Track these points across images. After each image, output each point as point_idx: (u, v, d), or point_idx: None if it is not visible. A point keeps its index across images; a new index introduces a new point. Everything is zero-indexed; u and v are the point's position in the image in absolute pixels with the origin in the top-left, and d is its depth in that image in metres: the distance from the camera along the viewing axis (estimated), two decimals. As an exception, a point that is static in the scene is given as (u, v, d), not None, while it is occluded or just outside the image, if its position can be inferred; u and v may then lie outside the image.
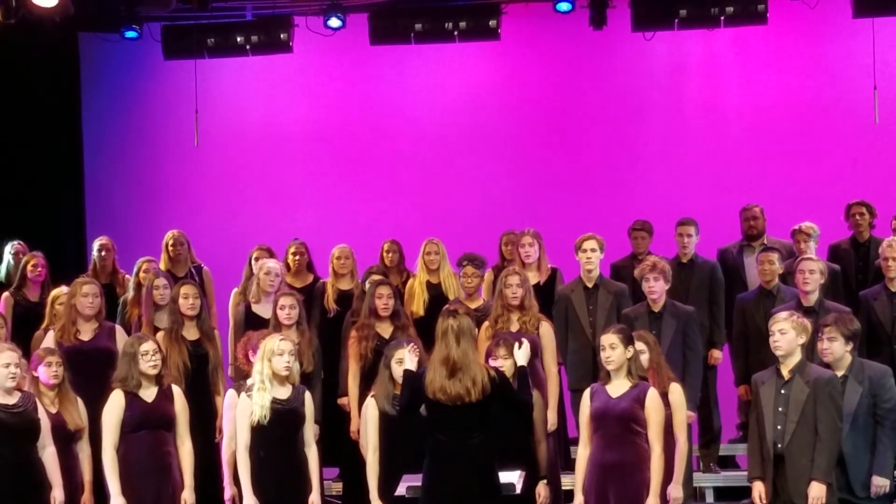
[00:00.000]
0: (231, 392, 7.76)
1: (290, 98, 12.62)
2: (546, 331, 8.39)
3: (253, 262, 9.56)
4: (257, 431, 7.36)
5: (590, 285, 8.92)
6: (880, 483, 7.24)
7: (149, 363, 7.54)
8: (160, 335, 8.36)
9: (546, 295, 9.00)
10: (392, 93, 12.55)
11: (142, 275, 9.39)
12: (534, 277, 8.96)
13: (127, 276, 9.80)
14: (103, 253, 10.00)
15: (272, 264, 9.06)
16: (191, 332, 8.51)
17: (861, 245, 9.88)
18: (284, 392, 7.45)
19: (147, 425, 7.50)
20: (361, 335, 8.49)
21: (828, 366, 7.25)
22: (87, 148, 12.50)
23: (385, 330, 8.51)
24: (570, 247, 9.08)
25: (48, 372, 7.63)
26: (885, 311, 8.69)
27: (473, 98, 12.45)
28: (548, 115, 12.31)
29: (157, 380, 7.59)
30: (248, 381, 7.50)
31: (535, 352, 8.26)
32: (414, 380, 6.86)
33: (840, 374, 7.21)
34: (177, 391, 7.69)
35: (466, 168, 12.33)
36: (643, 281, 8.43)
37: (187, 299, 8.50)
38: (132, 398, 7.51)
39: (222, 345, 8.94)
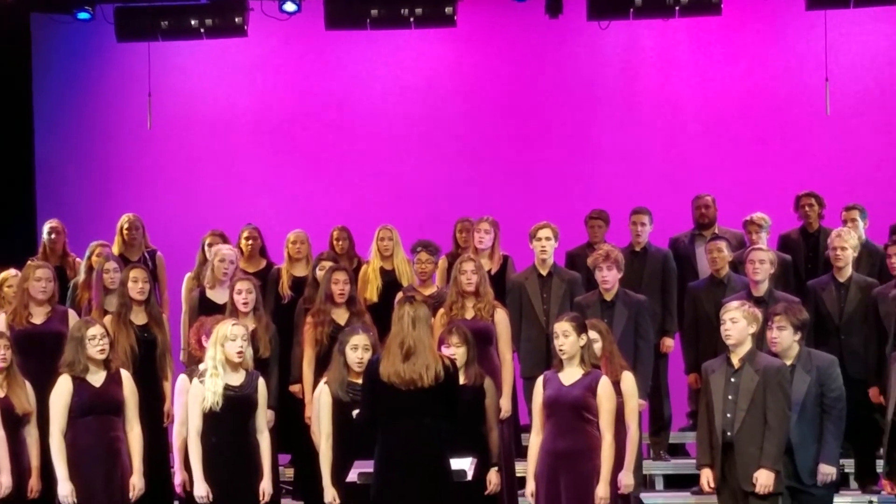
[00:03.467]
0: (183, 377, 7.73)
1: (245, 82, 12.57)
2: (501, 318, 8.41)
3: (206, 247, 9.51)
4: (209, 417, 7.33)
5: (544, 273, 8.95)
6: (827, 471, 7.32)
7: (96, 347, 7.49)
8: (108, 319, 8.30)
9: (498, 283, 9.03)
10: (347, 78, 12.52)
11: (94, 258, 9.33)
12: (486, 265, 8.98)
13: (78, 259, 9.74)
14: (53, 236, 9.93)
15: (227, 251, 9.00)
16: (139, 317, 8.46)
17: (810, 235, 9.96)
18: (237, 378, 7.42)
19: (95, 410, 7.45)
20: (317, 321, 8.47)
21: (776, 355, 7.32)
22: (38, 130, 12.39)
23: (340, 316, 8.49)
24: (524, 235, 9.11)
25: (-4, 355, 7.58)
26: (833, 302, 8.77)
27: (429, 85, 12.44)
28: (503, 102, 12.32)
29: (105, 364, 7.54)
30: (201, 367, 7.47)
31: (490, 339, 8.30)
32: (370, 366, 6.87)
33: (788, 363, 7.28)
34: (125, 376, 7.64)
35: (421, 155, 12.33)
36: (596, 270, 8.47)
37: (136, 283, 8.44)
38: (80, 383, 7.46)
39: (172, 330, 8.91)
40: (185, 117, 12.47)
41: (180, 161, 12.49)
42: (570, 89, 12.28)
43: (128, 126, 12.33)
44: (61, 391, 7.45)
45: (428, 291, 8.91)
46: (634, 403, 7.43)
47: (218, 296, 8.76)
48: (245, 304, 8.30)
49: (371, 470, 6.82)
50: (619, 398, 7.25)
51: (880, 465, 7.68)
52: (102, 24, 11.58)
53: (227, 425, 7.34)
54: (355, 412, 7.07)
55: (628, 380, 7.42)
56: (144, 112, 11.96)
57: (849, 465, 8.88)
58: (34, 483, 7.62)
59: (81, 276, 9.30)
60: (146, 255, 9.81)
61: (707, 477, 7.26)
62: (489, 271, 8.97)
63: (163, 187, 12.40)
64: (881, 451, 7.58)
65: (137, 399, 7.65)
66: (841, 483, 8.38)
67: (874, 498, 8.66)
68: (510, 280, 9.14)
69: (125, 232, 9.81)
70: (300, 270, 9.48)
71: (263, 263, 9.78)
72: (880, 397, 8.21)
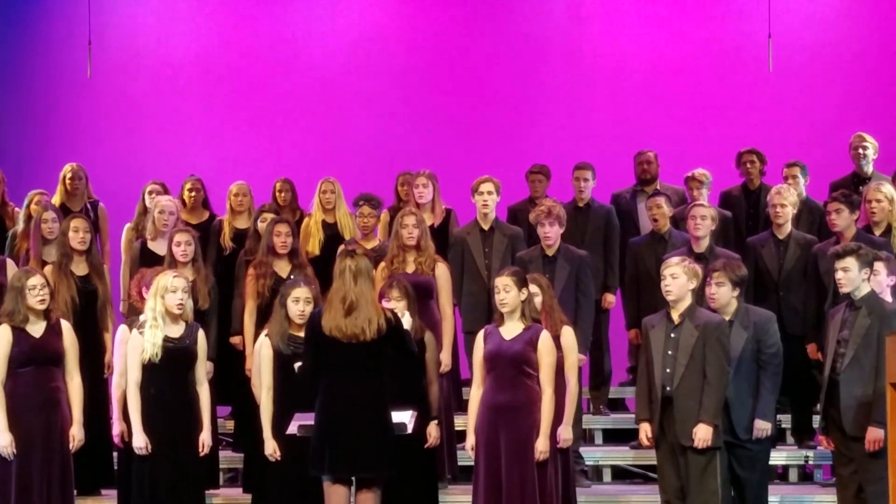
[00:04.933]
0: (123, 328, 7.70)
1: (185, 31, 12.42)
2: (442, 272, 8.42)
3: (147, 197, 9.44)
4: (148, 369, 7.32)
5: (486, 228, 8.96)
6: (762, 426, 7.40)
7: (36, 298, 7.43)
8: (48, 269, 8.23)
9: (441, 236, 9.03)
10: (288, 28, 12.40)
11: (32, 207, 9.22)
12: (428, 219, 8.96)
13: (17, 208, 9.62)
14: (-9, 185, 9.82)
15: (167, 202, 8.93)
16: (80, 268, 8.39)
17: (752, 192, 10.00)
18: (177, 330, 7.40)
19: (35, 361, 7.40)
20: (258, 273, 8.44)
21: (715, 311, 7.38)
22: (-26, 78, 12.25)
23: (282, 268, 8.47)
24: (466, 189, 9.10)
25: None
26: (773, 258, 8.83)
27: (372, 36, 12.35)
28: (447, 56, 12.27)
29: (45, 315, 7.49)
30: (141, 318, 7.44)
31: (430, 293, 8.30)
32: (312, 319, 6.87)
33: (727, 319, 7.34)
34: (65, 326, 7.59)
35: (364, 107, 12.26)
36: (538, 226, 8.48)
37: (77, 233, 8.37)
38: (20, 333, 7.40)
39: (113, 281, 8.84)
40: (125, 66, 12.31)
41: (122, 111, 12.35)
42: (514, 43, 12.24)
43: (67, 74, 12.16)
44: (1, 341, 7.38)
45: (370, 245, 8.90)
46: (574, 358, 7.45)
47: (159, 247, 8.71)
48: (184, 255, 8.26)
49: (311, 422, 6.84)
50: (559, 353, 7.27)
51: (817, 420, 7.77)
52: (42, -30, 11.43)
53: (166, 377, 7.33)
54: (297, 365, 7.06)
55: (568, 334, 7.44)
56: (85, 60, 11.80)
57: (786, 420, 8.99)
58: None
59: (20, 226, 9.21)
60: (88, 205, 9.70)
61: (646, 431, 7.32)
62: (431, 225, 8.96)
63: (104, 137, 12.26)
64: (818, 406, 7.68)
65: (78, 350, 7.61)
66: (778, 438, 8.48)
67: (810, 453, 8.76)
68: (452, 234, 9.14)
69: (68, 181, 9.69)
70: (242, 222, 9.43)
71: (206, 215, 9.72)
72: (818, 353, 8.30)
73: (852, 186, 9.38)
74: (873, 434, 7.03)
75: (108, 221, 9.82)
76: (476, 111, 12.19)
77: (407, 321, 7.01)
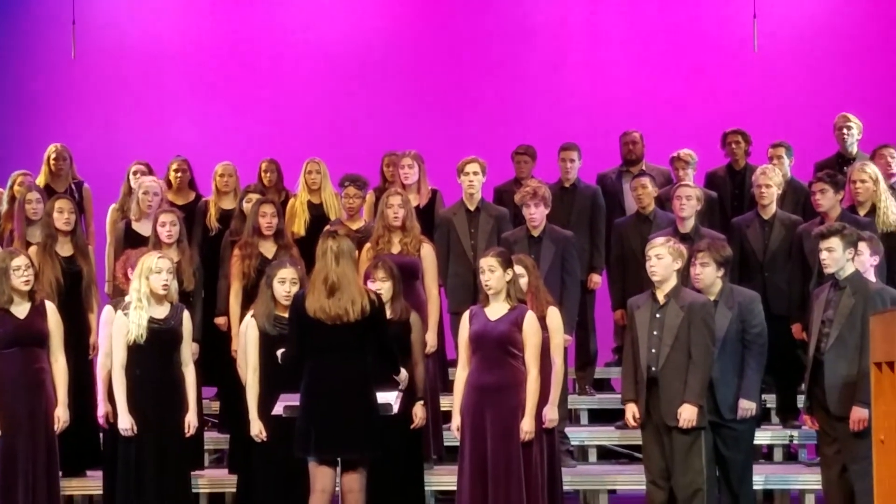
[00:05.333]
0: (108, 308, 7.69)
1: (170, 11, 12.38)
2: (427, 252, 8.41)
3: (131, 177, 9.42)
4: (134, 350, 7.31)
5: (472, 208, 8.96)
6: (747, 406, 7.43)
7: (21, 278, 7.42)
8: (32, 250, 8.20)
9: (426, 217, 9.01)
10: (275, 9, 12.37)
11: (16, 188, 9.20)
12: (414, 199, 8.94)
13: (0, 189, 9.60)
14: (-26, 166, 9.78)
15: (151, 182, 8.91)
16: (65, 248, 8.36)
17: (737, 173, 10.01)
18: (162, 311, 7.39)
19: (19, 342, 7.39)
20: (244, 254, 8.43)
21: (700, 291, 7.39)
22: (-42, 58, 12.20)
23: (268, 249, 8.46)
24: (452, 169, 9.09)
25: None
26: (758, 239, 8.84)
27: (358, 17, 12.33)
28: (432, 36, 12.25)
29: (30, 296, 7.48)
30: (126, 299, 7.43)
31: (416, 273, 8.30)
32: (295, 301, 6.86)
33: (711, 299, 7.35)
34: (50, 307, 7.58)
35: (349, 88, 12.23)
36: (523, 207, 8.46)
37: (62, 213, 8.34)
38: (4, 314, 7.39)
39: (98, 262, 8.82)
40: (110, 47, 12.27)
41: (107, 91, 12.31)
42: (499, 23, 12.22)
43: (51, 54, 12.12)
44: (-16, 322, 7.38)
45: (356, 226, 8.89)
46: (560, 338, 7.45)
47: (143, 228, 8.69)
48: (169, 236, 8.25)
49: (297, 403, 6.84)
50: (544, 333, 7.27)
51: (801, 400, 7.79)
52: (26, -50, 11.38)
53: (151, 358, 7.33)
54: (279, 352, 7.06)
55: (554, 315, 7.43)
56: (68, 40, 11.74)
57: (771, 400, 9.01)
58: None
59: (4, 207, 9.19)
60: (73, 186, 9.68)
61: (632, 412, 7.34)
62: (417, 206, 8.95)
63: (88, 117, 12.23)
64: (802, 386, 7.70)
65: (62, 331, 7.60)
66: (763, 417, 8.50)
67: (794, 432, 8.79)
68: (438, 215, 9.13)
69: (52, 162, 9.66)
70: (228, 203, 9.41)
71: (192, 196, 9.69)
72: (802, 333, 8.31)
73: (837, 167, 9.40)
74: (857, 414, 7.06)
75: (93, 202, 9.79)
76: (462, 92, 12.17)
77: (403, 378, 7.02)
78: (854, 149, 9.72)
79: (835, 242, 7.20)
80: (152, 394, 7.33)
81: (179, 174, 9.66)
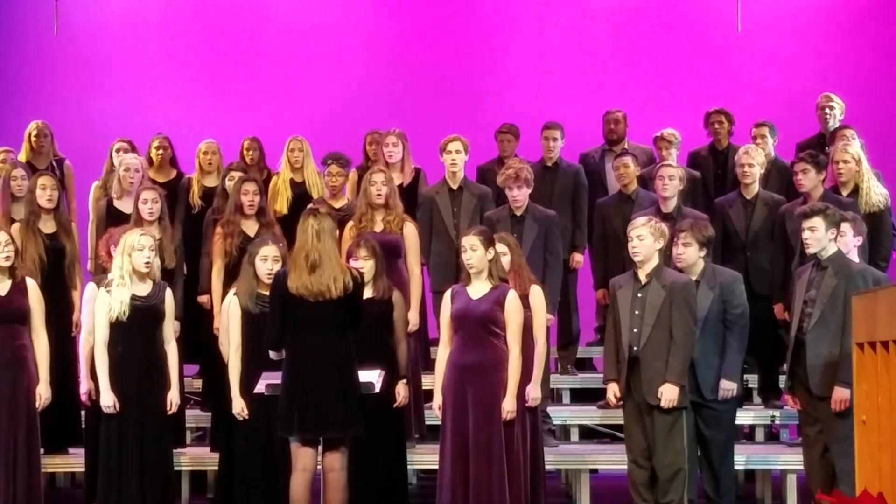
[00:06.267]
0: (91, 285, 7.67)
1: (155, -11, 12.34)
2: (410, 231, 8.40)
3: (114, 155, 9.39)
4: (116, 327, 7.31)
5: (454, 187, 8.95)
6: (728, 386, 7.44)
7: (1, 255, 7.40)
8: (15, 227, 8.18)
9: (410, 195, 9.00)
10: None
11: (-1, 165, 9.18)
12: (397, 178, 8.93)
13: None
14: (-44, 143, 9.73)
15: (132, 160, 8.88)
16: (47, 225, 8.34)
17: (720, 152, 10.00)
18: (144, 288, 7.38)
19: (0, 319, 7.37)
20: (226, 231, 8.41)
21: (682, 271, 7.40)
22: (-62, 34, 12.12)
23: (250, 227, 8.44)
24: (435, 148, 9.08)
25: None
26: (740, 219, 8.84)
27: (341, -5, 12.32)
28: (415, 14, 12.21)
29: (11, 272, 7.46)
30: (109, 276, 7.42)
31: (398, 252, 8.29)
32: (277, 279, 6.86)
33: (693, 279, 7.36)
34: (31, 284, 7.56)
35: (332, 66, 12.20)
36: (506, 189, 8.43)
37: (45, 190, 8.32)
38: (-16, 291, 7.38)
39: (80, 239, 8.80)
40: (93, 23, 12.21)
41: (89, 68, 12.24)
42: (483, 1, 12.20)
43: (34, 31, 12.05)
44: (-36, 298, 7.36)
45: (338, 204, 8.88)
46: (542, 318, 7.45)
47: (125, 205, 8.67)
48: (150, 213, 8.22)
49: (279, 381, 6.84)
50: (527, 312, 7.27)
51: (783, 380, 7.82)
52: (7, -75, 11.30)
53: (133, 335, 7.32)
54: (272, 354, 7.01)
55: (536, 294, 7.43)
56: (51, 17, 11.69)
57: (752, 380, 9.04)
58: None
59: (-14, 184, 9.14)
60: (54, 163, 9.63)
61: (613, 391, 7.36)
62: (400, 184, 8.94)
63: (70, 95, 12.15)
64: (784, 366, 7.72)
65: (44, 308, 7.59)
66: (744, 398, 8.54)
67: (776, 412, 8.81)
68: (421, 194, 9.12)
69: (33, 139, 9.61)
70: (211, 181, 9.38)
71: (174, 173, 9.66)
72: (784, 314, 8.33)
73: (819, 146, 9.41)
74: (839, 394, 7.08)
75: (74, 179, 9.75)
76: (445, 70, 12.14)
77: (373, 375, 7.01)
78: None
79: (817, 222, 7.21)
80: (134, 371, 7.32)
81: (161, 152, 9.63)
